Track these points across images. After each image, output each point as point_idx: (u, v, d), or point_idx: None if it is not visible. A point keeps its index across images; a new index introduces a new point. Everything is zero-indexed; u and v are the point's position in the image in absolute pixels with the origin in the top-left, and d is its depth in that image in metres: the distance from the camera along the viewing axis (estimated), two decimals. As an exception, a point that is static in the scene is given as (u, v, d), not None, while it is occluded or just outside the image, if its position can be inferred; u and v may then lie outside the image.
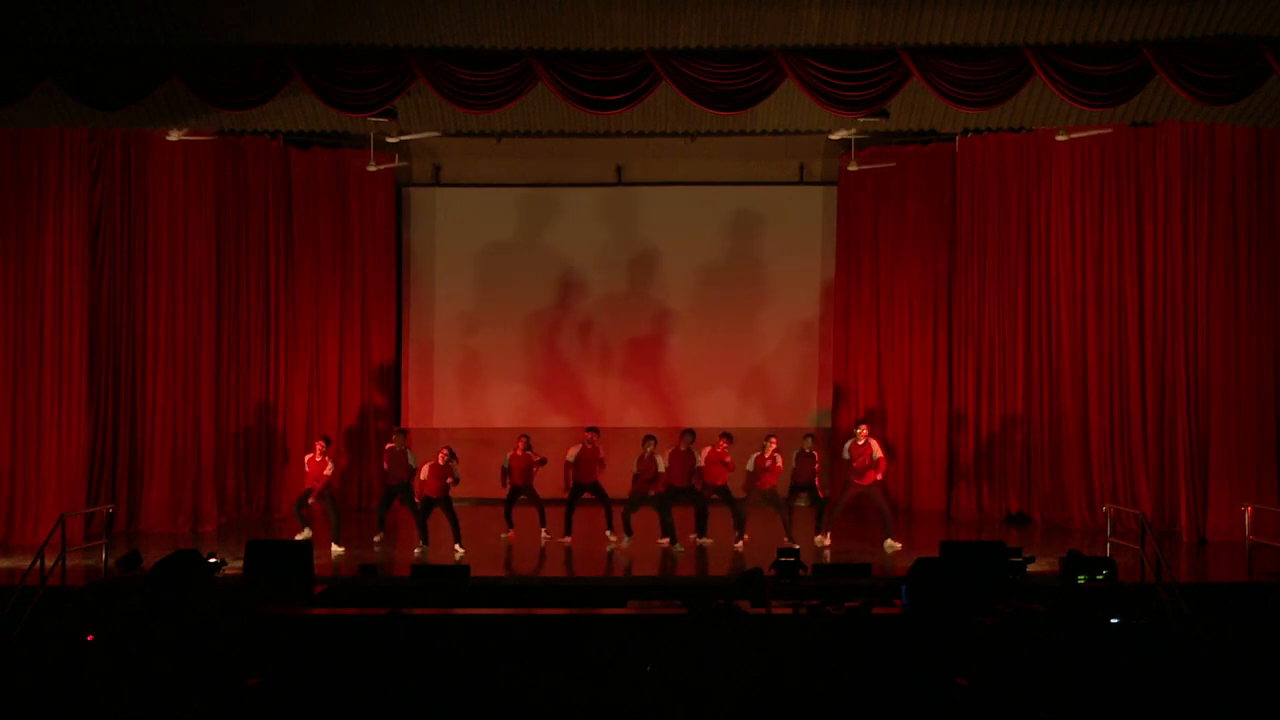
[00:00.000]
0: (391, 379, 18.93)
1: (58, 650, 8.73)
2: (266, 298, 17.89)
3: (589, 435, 15.04)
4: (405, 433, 15.66)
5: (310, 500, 14.89)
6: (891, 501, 16.89)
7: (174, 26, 12.51)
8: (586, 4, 12.26)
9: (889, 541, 14.41)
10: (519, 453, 14.98)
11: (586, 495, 14.93)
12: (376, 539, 14.79)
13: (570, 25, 12.54)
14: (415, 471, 14.79)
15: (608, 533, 14.84)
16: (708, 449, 14.77)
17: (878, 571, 12.75)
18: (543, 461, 15.05)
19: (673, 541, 14.55)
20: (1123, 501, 15.83)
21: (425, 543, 14.51)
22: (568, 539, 14.92)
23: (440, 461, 14.48)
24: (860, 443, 14.65)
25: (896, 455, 18.17)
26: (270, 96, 13.01)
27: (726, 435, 14.96)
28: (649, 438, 14.83)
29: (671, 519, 14.66)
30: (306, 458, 15.04)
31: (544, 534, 15.09)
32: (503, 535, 15.15)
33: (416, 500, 14.63)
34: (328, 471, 14.78)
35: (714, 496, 14.91)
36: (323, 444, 15.00)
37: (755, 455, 14.63)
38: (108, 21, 12.41)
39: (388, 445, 15.23)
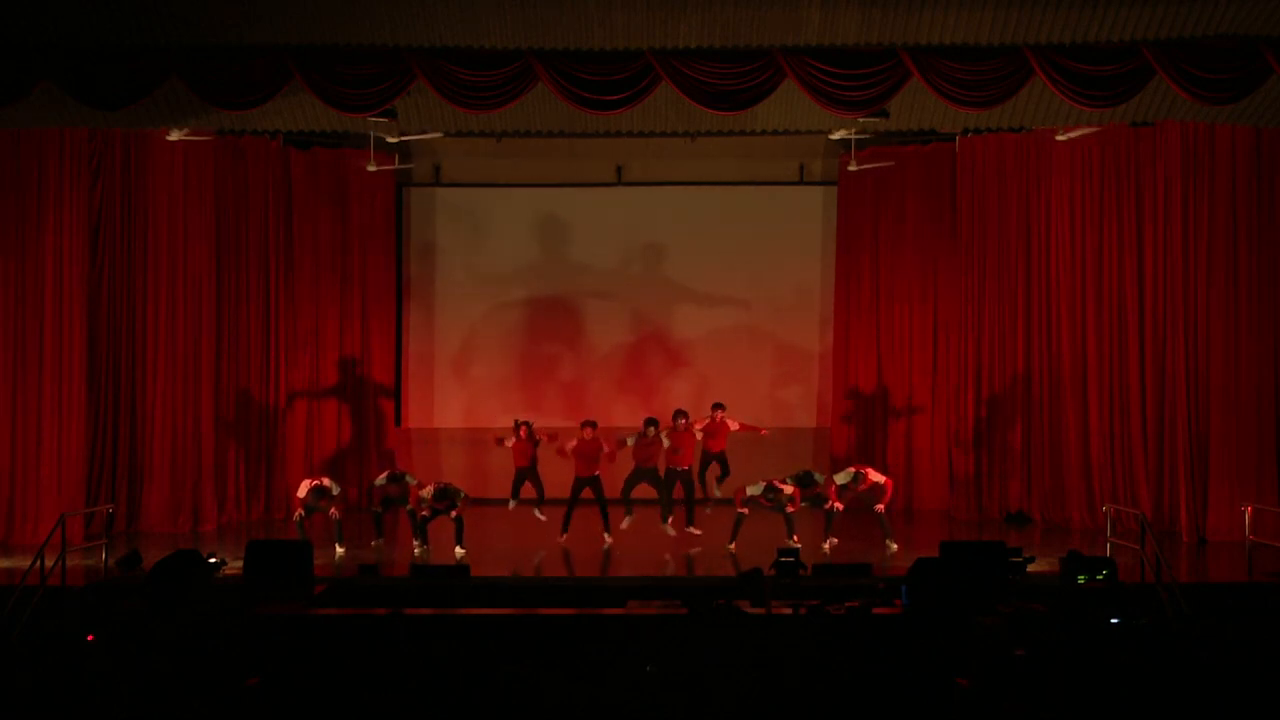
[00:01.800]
0: (391, 379, 18.91)
1: (58, 650, 8.72)
2: (266, 298, 17.87)
3: (587, 430, 14.95)
4: (402, 475, 15.02)
5: (300, 513, 14.57)
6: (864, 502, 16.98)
7: (174, 26, 12.50)
8: (586, 4, 12.26)
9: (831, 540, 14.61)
10: (521, 438, 14.98)
11: (586, 492, 14.88)
12: (374, 544, 14.74)
13: (570, 25, 12.54)
14: (410, 490, 14.71)
15: (605, 535, 14.80)
16: (705, 421, 15.01)
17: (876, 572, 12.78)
18: (552, 437, 15.12)
19: (665, 519, 14.73)
20: (1123, 501, 15.82)
21: (425, 543, 14.49)
22: (563, 538, 14.85)
23: (429, 499, 14.36)
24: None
25: (898, 455, 18.19)
26: (270, 96, 13.00)
27: (720, 405, 15.12)
28: (651, 420, 15.00)
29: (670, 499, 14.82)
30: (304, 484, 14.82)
31: (539, 514, 15.05)
32: (511, 503, 15.17)
33: (419, 514, 14.55)
34: (335, 493, 14.70)
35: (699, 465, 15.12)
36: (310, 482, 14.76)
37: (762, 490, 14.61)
38: (108, 21, 12.40)
39: (378, 483, 14.91)
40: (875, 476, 14.80)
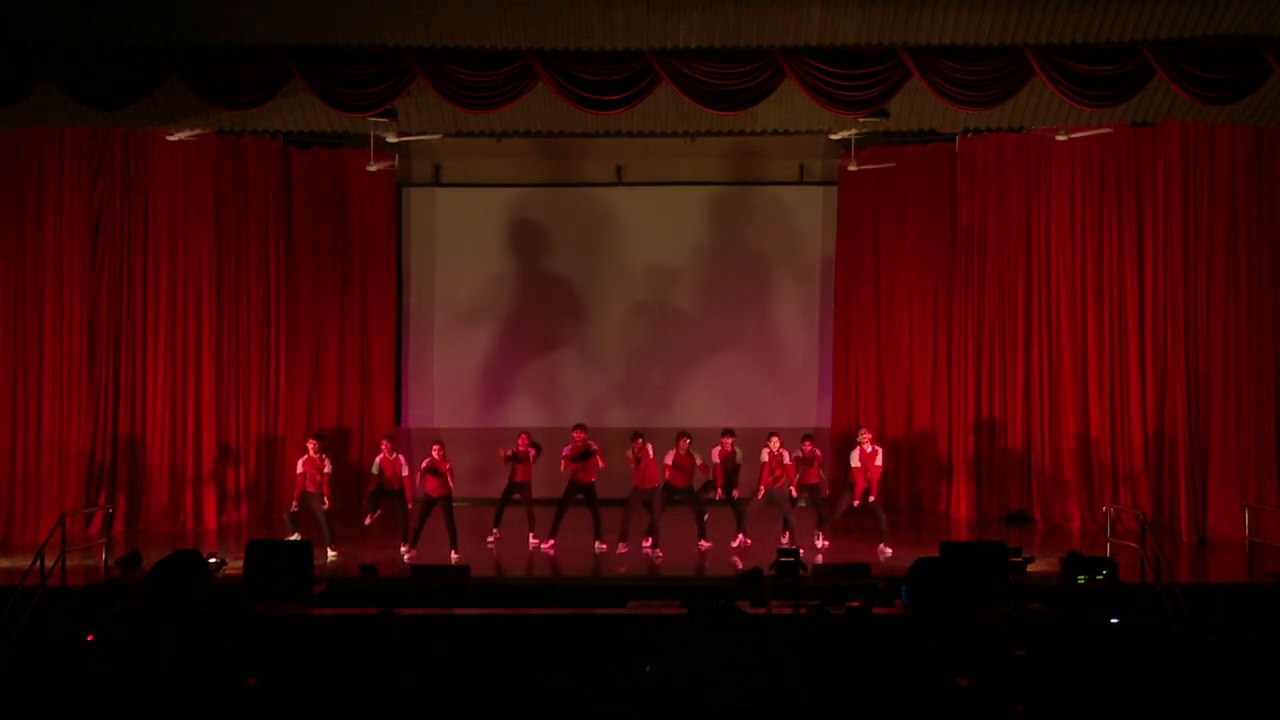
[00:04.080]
0: (391, 379, 18.91)
1: (58, 650, 8.72)
2: (266, 297, 17.87)
3: (580, 433, 14.77)
4: (392, 437, 15.23)
5: (295, 507, 14.54)
6: (887, 502, 16.80)
7: (174, 26, 12.52)
8: (586, 4, 12.27)
9: (881, 546, 14.36)
10: (521, 447, 14.92)
11: (579, 496, 14.75)
12: (368, 520, 14.55)
13: (570, 25, 12.54)
14: (404, 477, 14.64)
15: (596, 543, 14.59)
16: (670, 452, 14.60)
17: (876, 572, 12.78)
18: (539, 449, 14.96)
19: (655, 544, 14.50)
20: (1123, 501, 15.83)
21: (413, 545, 14.23)
22: (550, 543, 14.60)
23: (437, 456, 14.37)
24: (868, 449, 14.44)
25: (898, 455, 18.19)
26: (270, 96, 13.01)
27: (685, 434, 14.80)
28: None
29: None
30: (301, 460, 14.67)
31: (532, 538, 14.87)
32: (489, 540, 14.90)
33: (410, 503, 14.49)
34: (327, 470, 14.67)
35: (676, 498, 14.78)
36: (316, 443, 14.79)
37: (765, 450, 14.44)
38: (108, 21, 12.41)
39: (378, 458, 14.78)
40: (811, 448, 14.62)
